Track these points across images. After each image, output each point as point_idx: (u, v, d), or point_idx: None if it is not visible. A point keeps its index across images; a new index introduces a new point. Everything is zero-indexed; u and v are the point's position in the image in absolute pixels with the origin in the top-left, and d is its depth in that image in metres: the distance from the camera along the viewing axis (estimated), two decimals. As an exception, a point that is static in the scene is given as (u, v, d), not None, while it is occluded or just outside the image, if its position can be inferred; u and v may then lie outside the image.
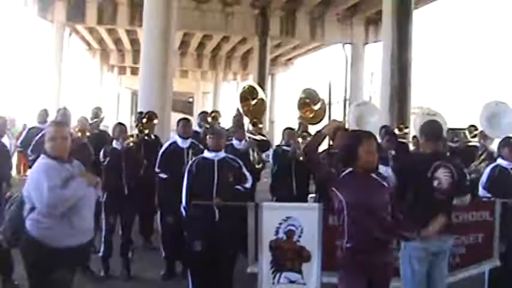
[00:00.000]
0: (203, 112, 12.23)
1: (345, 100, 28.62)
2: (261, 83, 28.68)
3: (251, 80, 32.17)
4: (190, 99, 57.38)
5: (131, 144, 8.40)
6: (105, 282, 8.07)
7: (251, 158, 8.65)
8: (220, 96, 47.53)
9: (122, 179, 8.16)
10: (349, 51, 30.52)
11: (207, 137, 6.78)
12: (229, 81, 50.68)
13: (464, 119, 11.58)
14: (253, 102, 9.08)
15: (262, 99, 9.18)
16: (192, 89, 53.76)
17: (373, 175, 4.89)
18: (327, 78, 27.75)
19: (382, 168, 5.21)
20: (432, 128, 5.97)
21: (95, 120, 10.01)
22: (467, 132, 10.63)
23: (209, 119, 10.85)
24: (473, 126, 10.68)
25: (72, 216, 4.91)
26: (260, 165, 8.95)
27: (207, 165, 6.52)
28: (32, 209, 4.80)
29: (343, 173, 4.85)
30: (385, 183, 4.91)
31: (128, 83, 52.21)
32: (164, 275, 8.33)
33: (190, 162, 6.71)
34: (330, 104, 32.15)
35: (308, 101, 8.87)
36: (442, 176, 5.61)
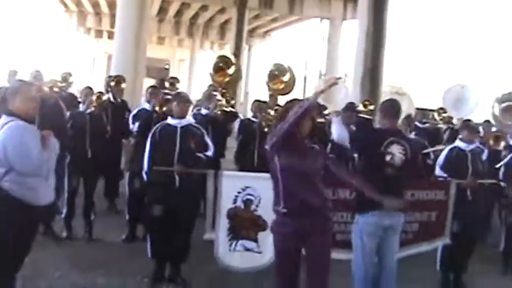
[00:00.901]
0: (161, 79, 12.29)
1: (320, 75, 28.75)
2: (237, 53, 28.65)
3: (228, 50, 32.09)
4: (167, 66, 56.99)
5: (95, 107, 8.37)
6: (67, 243, 8.13)
7: None
8: (196, 65, 47.31)
9: (85, 143, 8.21)
10: (327, 27, 30.55)
11: (173, 103, 6.82)
12: (206, 50, 50.42)
13: (435, 101, 11.76)
14: (229, 71, 9.17)
15: (237, 70, 9.27)
16: (169, 56, 53.42)
17: (309, 142, 4.94)
18: (304, 53, 27.92)
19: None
20: (389, 106, 6.13)
21: (63, 85, 9.94)
22: (435, 114, 10.81)
23: (167, 85, 10.85)
24: (442, 108, 10.87)
25: (49, 175, 5.02)
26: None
27: (170, 132, 6.56)
28: (8, 171, 4.80)
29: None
30: (319, 150, 4.99)
31: (104, 47, 51.65)
32: (126, 238, 8.43)
33: (153, 128, 6.75)
34: (305, 78, 32.27)
35: (277, 73, 8.99)
36: (396, 152, 5.79)
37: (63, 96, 9.54)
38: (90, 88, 8.69)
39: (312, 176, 4.84)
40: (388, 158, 5.79)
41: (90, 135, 8.23)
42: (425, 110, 12.86)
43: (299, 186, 4.75)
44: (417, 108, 15.28)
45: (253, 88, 38.88)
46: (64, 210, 8.40)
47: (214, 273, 6.92)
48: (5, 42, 26.44)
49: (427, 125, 11.18)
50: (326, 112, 11.49)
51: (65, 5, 39.34)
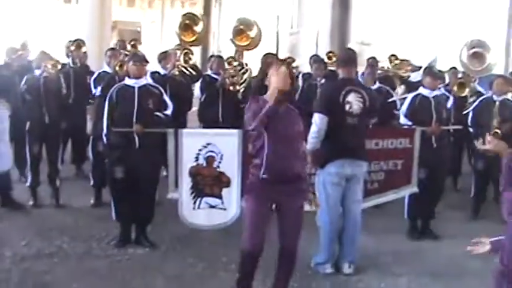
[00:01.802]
0: (120, 40, 12.11)
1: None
2: (207, 11, 28.35)
3: (199, 8, 31.66)
4: (138, 29, 56.28)
5: (49, 71, 8.15)
6: (33, 211, 8.07)
7: None
8: (167, 25, 46.61)
9: (41, 107, 8.04)
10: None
11: (129, 63, 6.69)
12: (177, 9, 49.64)
13: (403, 53, 11.61)
14: (196, 29, 8.99)
15: (204, 26, 9.10)
16: (140, 19, 52.66)
17: (289, 104, 4.92)
18: (275, 8, 27.57)
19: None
20: (345, 55, 6.14)
21: (21, 52, 9.69)
22: (387, 62, 10.72)
23: (129, 47, 10.66)
24: (393, 55, 10.77)
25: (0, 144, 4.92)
26: None
27: (127, 93, 6.45)
28: None
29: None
30: (299, 112, 4.95)
31: (73, 13, 50.72)
32: (94, 203, 8.37)
33: (111, 89, 6.63)
34: (277, 34, 32.06)
35: (242, 28, 8.84)
36: (354, 101, 5.79)
37: (23, 65, 9.35)
38: (44, 52, 8.45)
39: (296, 140, 4.85)
40: (347, 107, 5.79)
41: (46, 100, 8.02)
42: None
43: (283, 154, 4.73)
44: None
45: (226, 45, 38.56)
46: (28, 179, 8.29)
47: (180, 233, 6.90)
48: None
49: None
50: (294, 65, 11.40)
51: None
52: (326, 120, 5.79)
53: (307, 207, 5.90)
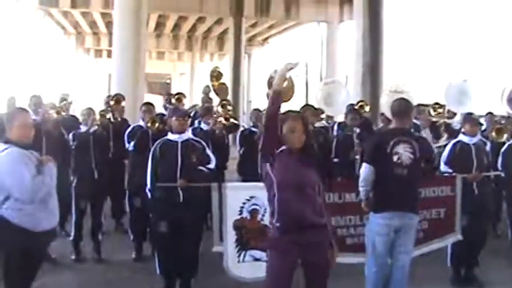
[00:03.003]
0: (168, 94, 12.25)
1: (321, 79, 28.69)
2: (237, 63, 28.70)
3: (227, 61, 32.06)
4: (168, 81, 57.13)
5: (98, 126, 8.34)
6: (75, 266, 8.09)
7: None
8: (197, 77, 47.26)
9: (91, 163, 8.17)
10: (324, 30, 30.52)
11: (172, 118, 6.81)
12: (206, 61, 50.39)
13: (438, 97, 11.61)
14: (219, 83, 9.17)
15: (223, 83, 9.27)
16: (169, 71, 53.52)
17: (303, 154, 4.73)
18: (303, 58, 27.85)
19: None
20: (396, 105, 6.05)
21: (63, 103, 9.91)
22: (431, 110, 10.70)
23: (173, 101, 10.83)
24: (437, 103, 10.76)
25: (48, 200, 5.02)
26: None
27: (170, 147, 6.55)
28: (6, 198, 4.83)
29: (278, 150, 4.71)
30: (312, 162, 4.79)
31: (104, 67, 51.69)
32: (135, 258, 8.40)
33: (154, 144, 6.73)
34: (307, 83, 32.20)
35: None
36: (403, 151, 5.72)
37: (65, 119, 9.52)
38: (91, 109, 8.65)
39: (308, 189, 4.66)
40: (395, 158, 5.73)
41: (95, 155, 8.19)
42: (420, 105, 12.59)
43: (294, 201, 4.59)
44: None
45: (256, 96, 38.88)
46: (72, 233, 8.34)
47: (224, 286, 6.86)
48: (4, 68, 26.40)
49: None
50: (323, 116, 11.47)
51: (63, 27, 39.40)
52: (372, 170, 5.77)
53: (353, 259, 5.92)
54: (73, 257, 8.28)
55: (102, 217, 8.53)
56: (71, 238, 8.35)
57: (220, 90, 9.74)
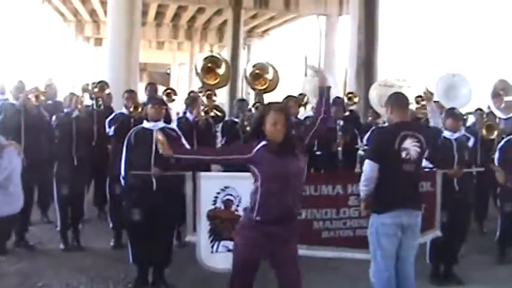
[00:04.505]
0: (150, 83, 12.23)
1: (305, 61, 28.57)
2: (235, 55, 28.63)
3: (226, 52, 31.97)
4: (168, 71, 57.04)
5: (79, 111, 8.23)
6: (52, 252, 8.08)
7: None
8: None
9: (71, 149, 8.07)
10: (323, 23, 30.42)
11: (148, 106, 6.74)
12: (206, 52, 50.30)
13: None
14: (219, 71, 9.09)
15: (227, 67, 9.17)
16: (169, 61, 53.39)
17: (284, 146, 4.66)
18: (302, 50, 27.78)
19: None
20: (396, 98, 5.76)
21: (45, 90, 9.76)
22: (414, 103, 10.60)
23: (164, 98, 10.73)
24: (419, 96, 10.60)
25: (7, 185, 4.90)
26: None
27: (145, 135, 6.48)
28: None
29: (258, 146, 4.68)
30: (297, 154, 4.71)
31: (104, 55, 51.52)
32: (114, 245, 8.37)
33: (129, 132, 6.65)
34: (306, 74, 32.14)
35: (259, 72, 8.92)
36: (411, 147, 5.43)
37: (48, 104, 9.46)
38: (73, 93, 8.56)
39: (292, 180, 4.62)
40: (403, 154, 5.41)
41: (77, 141, 8.08)
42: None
43: (277, 197, 4.57)
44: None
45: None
46: (58, 223, 8.23)
47: (197, 276, 6.82)
48: (2, 55, 26.29)
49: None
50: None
51: (62, 15, 39.26)
52: (377, 168, 5.41)
53: (329, 253, 5.85)
54: (61, 246, 8.20)
55: (83, 205, 8.45)
56: (58, 228, 8.24)
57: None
